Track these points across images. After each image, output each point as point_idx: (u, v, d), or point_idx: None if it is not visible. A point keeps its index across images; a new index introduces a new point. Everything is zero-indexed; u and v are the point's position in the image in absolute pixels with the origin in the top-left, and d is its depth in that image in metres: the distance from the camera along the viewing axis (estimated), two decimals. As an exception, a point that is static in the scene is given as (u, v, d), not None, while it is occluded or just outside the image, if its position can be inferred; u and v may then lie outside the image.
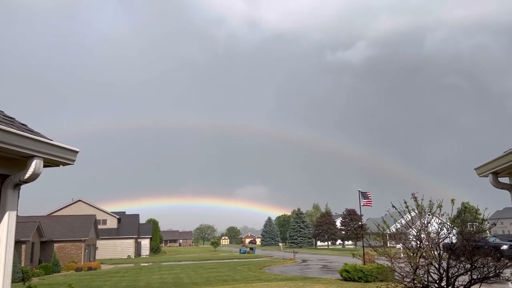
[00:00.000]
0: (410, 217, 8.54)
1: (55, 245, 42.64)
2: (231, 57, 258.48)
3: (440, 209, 7.98)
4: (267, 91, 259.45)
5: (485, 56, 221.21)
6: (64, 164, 4.39)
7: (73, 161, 4.43)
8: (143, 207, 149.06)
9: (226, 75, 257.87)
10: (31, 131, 4.26)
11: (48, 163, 4.18)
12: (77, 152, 4.40)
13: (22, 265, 32.09)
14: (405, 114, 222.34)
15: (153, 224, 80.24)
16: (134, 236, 64.44)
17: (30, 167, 3.82)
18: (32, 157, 3.84)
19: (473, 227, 8.30)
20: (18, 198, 4.10)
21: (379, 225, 8.71)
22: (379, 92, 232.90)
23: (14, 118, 4.52)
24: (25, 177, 3.83)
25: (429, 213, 8.09)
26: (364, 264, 22.53)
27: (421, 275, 7.69)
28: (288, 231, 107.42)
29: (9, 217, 3.87)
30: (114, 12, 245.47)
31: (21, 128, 4.09)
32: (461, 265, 7.75)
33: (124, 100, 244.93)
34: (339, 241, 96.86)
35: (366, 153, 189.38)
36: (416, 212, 8.36)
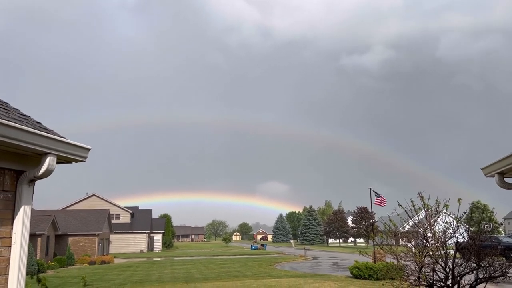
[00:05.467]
0: (417, 216, 8.55)
1: (70, 238, 43.40)
2: (247, 61, 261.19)
3: (447, 208, 7.99)
4: (282, 92, 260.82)
5: (494, 58, 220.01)
6: (77, 161, 4.55)
7: (85, 158, 4.59)
8: (156, 202, 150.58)
9: (243, 76, 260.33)
10: (45, 129, 4.43)
11: (61, 160, 4.34)
12: (89, 149, 4.56)
13: (38, 258, 32.77)
14: (417, 114, 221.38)
15: (165, 219, 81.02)
16: (147, 231, 65.14)
17: (44, 164, 3.98)
18: (46, 154, 3.99)
19: (479, 227, 8.28)
20: (33, 193, 4.28)
21: (385, 223, 8.76)
22: (392, 93, 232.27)
23: (29, 116, 4.70)
24: (39, 173, 4.00)
25: (436, 212, 8.11)
26: (375, 262, 22.51)
27: (427, 274, 7.73)
28: (300, 228, 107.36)
29: (24, 212, 4.05)
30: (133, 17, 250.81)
31: (35, 126, 4.26)
32: (467, 264, 7.76)
33: (140, 97, 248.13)
34: (350, 239, 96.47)
35: (379, 152, 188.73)
36: (423, 211, 8.37)
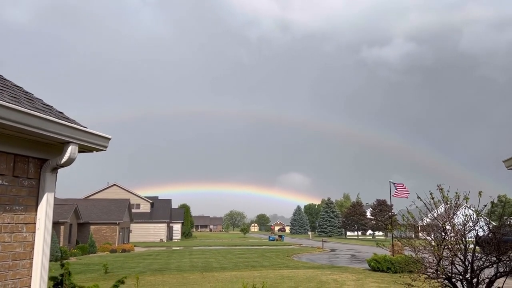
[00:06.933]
0: (437, 210, 8.47)
1: (91, 227, 44.41)
2: (268, 55, 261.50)
3: (467, 201, 7.88)
4: (303, 85, 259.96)
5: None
6: (97, 150, 4.66)
7: (106, 147, 4.69)
8: (176, 193, 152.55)
9: (263, 69, 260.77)
10: (67, 119, 4.54)
11: (82, 149, 4.46)
12: (109, 139, 4.66)
13: (61, 245, 33.67)
14: (439, 107, 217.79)
15: (184, 209, 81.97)
16: (166, 221, 66.04)
17: (66, 152, 4.10)
18: (68, 143, 4.11)
19: (501, 221, 8.14)
20: (56, 181, 4.41)
21: (404, 215, 8.69)
22: (414, 85, 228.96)
23: (52, 106, 4.83)
24: (62, 161, 4.12)
25: (455, 205, 8.01)
26: (393, 255, 22.38)
27: (445, 267, 7.66)
28: (318, 220, 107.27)
29: (48, 198, 4.18)
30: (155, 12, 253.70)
31: (58, 116, 4.37)
32: (487, 258, 7.66)
33: (160, 89, 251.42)
34: (369, 232, 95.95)
35: (400, 145, 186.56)
36: (442, 204, 8.28)
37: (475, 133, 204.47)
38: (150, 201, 67.74)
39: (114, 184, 64.69)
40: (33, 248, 4.05)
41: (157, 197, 74.54)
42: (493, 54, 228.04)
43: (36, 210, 4.12)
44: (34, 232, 4.08)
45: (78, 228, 42.58)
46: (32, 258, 4.03)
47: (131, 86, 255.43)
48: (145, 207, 66.82)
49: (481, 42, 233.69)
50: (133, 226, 58.92)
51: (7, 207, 3.81)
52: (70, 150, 4.10)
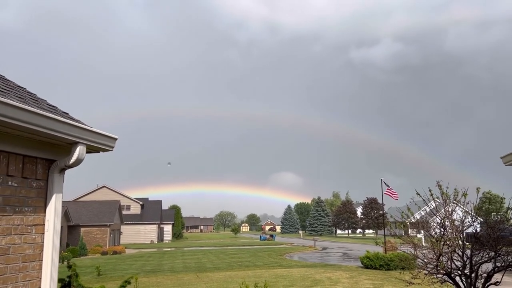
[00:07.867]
0: (434, 205, 8.59)
1: (82, 229, 43.98)
2: (260, 56, 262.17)
3: (465, 197, 8.02)
4: (294, 85, 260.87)
5: (504, 49, 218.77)
6: (104, 150, 4.62)
7: (112, 147, 4.66)
8: (166, 194, 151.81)
9: (253, 69, 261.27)
10: (72, 119, 4.50)
11: (89, 149, 4.43)
12: (116, 139, 4.62)
13: (51, 248, 33.28)
14: (427, 106, 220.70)
15: (175, 210, 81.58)
16: (157, 222, 65.68)
17: (75, 153, 4.06)
18: (76, 143, 4.07)
19: (497, 217, 8.29)
20: (63, 182, 4.37)
21: (403, 212, 8.79)
22: (401, 85, 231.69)
23: (56, 107, 4.78)
24: (70, 162, 4.09)
25: (454, 201, 8.14)
26: (386, 252, 22.59)
27: (444, 262, 7.78)
28: (308, 219, 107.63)
29: (56, 199, 4.15)
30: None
31: (64, 116, 4.34)
32: (485, 253, 7.80)
33: (152, 91, 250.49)
34: (359, 230, 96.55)
35: (388, 143, 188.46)
36: (440, 200, 8.41)
37: (463, 130, 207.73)
38: (140, 203, 67.29)
39: (104, 186, 64.09)
40: (42, 250, 4.02)
41: (148, 198, 74.06)
42: (479, 54, 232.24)
43: (44, 212, 4.09)
44: (43, 233, 4.05)
45: (68, 230, 42.15)
46: (42, 260, 4.00)
47: (122, 86, 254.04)
48: (136, 209, 66.36)
49: (467, 42, 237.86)
50: (124, 228, 58.46)
51: (17, 209, 3.77)
52: (79, 150, 4.07)
